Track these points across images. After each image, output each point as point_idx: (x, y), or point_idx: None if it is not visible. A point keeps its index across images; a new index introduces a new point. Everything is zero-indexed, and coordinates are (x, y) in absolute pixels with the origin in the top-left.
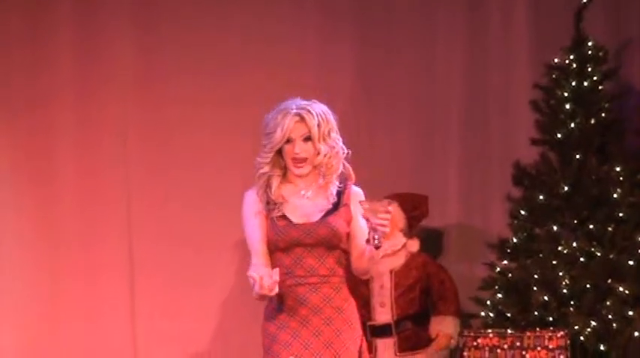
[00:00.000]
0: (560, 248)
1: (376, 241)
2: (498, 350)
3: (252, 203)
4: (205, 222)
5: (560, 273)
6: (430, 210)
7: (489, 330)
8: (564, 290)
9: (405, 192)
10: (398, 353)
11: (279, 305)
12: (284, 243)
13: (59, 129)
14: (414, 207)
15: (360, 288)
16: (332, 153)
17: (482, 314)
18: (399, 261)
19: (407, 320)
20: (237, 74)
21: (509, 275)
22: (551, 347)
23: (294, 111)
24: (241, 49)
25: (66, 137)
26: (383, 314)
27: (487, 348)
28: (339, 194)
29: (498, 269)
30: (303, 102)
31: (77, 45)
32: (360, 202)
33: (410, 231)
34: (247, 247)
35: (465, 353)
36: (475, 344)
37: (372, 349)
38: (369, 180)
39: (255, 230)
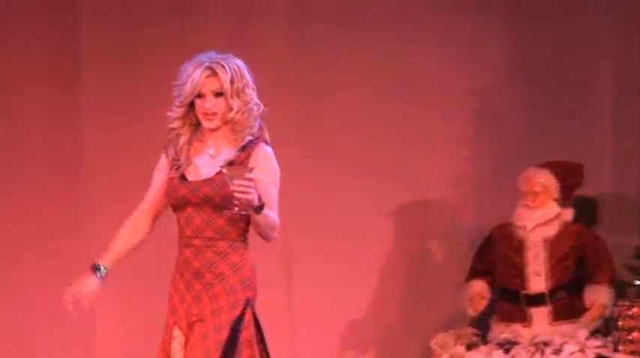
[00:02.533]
0: None
1: (236, 209)
2: None
3: (162, 161)
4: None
5: None
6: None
7: None
8: None
9: (560, 160)
10: (552, 323)
11: (176, 265)
12: (173, 200)
13: None
14: (568, 176)
15: (512, 257)
16: (245, 109)
17: (637, 282)
18: (552, 230)
19: (561, 289)
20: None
21: None
22: None
23: (207, 64)
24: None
25: None
26: (538, 283)
27: None
28: (243, 152)
29: None
30: (218, 56)
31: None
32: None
33: (564, 200)
34: None
35: (620, 323)
36: (630, 313)
37: (525, 317)
38: (525, 151)
39: (152, 183)
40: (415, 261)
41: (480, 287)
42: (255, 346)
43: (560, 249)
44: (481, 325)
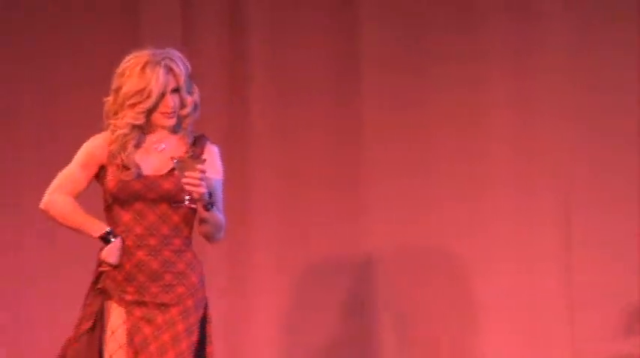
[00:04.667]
0: None
1: (186, 202)
2: None
3: (97, 147)
4: None
5: None
6: None
7: None
8: None
9: None
10: None
11: (108, 270)
12: (124, 195)
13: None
14: None
15: None
16: (195, 104)
17: None
18: None
19: None
20: None
21: None
22: None
23: (161, 62)
24: None
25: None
26: None
27: None
28: (193, 149)
29: None
30: (161, 51)
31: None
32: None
33: None
34: None
35: None
36: None
37: None
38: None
39: (80, 174)
40: None
41: None
42: (213, 342)
43: None
44: None
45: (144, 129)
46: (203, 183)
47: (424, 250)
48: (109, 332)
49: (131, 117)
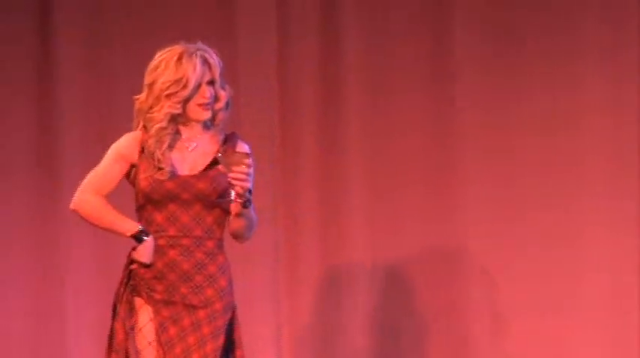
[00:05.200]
0: None
1: (232, 197)
2: None
3: (128, 146)
4: None
5: None
6: None
7: None
8: None
9: None
10: None
11: (142, 270)
12: (158, 194)
13: None
14: None
15: None
16: (230, 99)
17: None
18: None
19: None
20: None
21: None
22: None
23: (198, 53)
24: None
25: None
26: None
27: None
28: (225, 146)
29: None
30: (193, 45)
31: None
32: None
33: None
34: None
35: None
36: None
37: None
38: None
39: (111, 172)
40: None
41: None
42: (243, 346)
43: None
44: None
45: (178, 122)
46: (250, 177)
47: (517, 252)
48: (136, 328)
49: (169, 106)
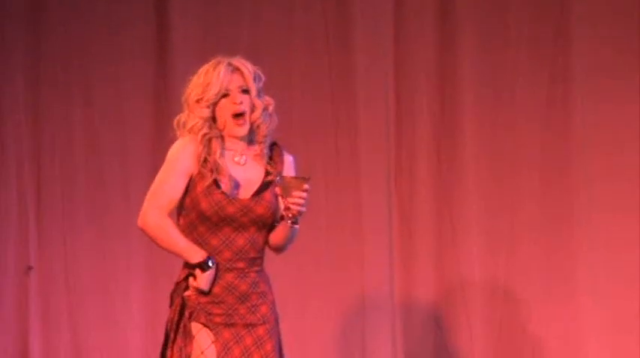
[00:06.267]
0: None
1: (289, 221)
2: None
3: (188, 155)
4: None
5: None
6: None
7: None
8: None
9: None
10: None
11: (196, 295)
12: (217, 218)
13: None
14: None
15: None
16: (269, 111)
17: None
18: None
19: None
20: None
21: None
22: None
23: (228, 61)
24: None
25: None
26: None
27: None
28: (272, 162)
29: None
30: (234, 58)
31: None
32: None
33: None
34: None
35: None
36: None
37: None
38: None
39: (175, 186)
40: None
41: None
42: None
43: None
44: None
45: (223, 135)
46: (305, 201)
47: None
48: (197, 352)
49: (199, 111)
